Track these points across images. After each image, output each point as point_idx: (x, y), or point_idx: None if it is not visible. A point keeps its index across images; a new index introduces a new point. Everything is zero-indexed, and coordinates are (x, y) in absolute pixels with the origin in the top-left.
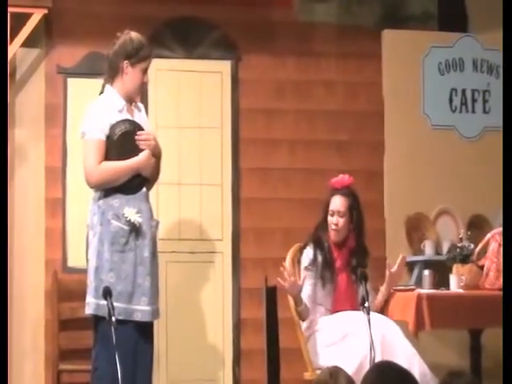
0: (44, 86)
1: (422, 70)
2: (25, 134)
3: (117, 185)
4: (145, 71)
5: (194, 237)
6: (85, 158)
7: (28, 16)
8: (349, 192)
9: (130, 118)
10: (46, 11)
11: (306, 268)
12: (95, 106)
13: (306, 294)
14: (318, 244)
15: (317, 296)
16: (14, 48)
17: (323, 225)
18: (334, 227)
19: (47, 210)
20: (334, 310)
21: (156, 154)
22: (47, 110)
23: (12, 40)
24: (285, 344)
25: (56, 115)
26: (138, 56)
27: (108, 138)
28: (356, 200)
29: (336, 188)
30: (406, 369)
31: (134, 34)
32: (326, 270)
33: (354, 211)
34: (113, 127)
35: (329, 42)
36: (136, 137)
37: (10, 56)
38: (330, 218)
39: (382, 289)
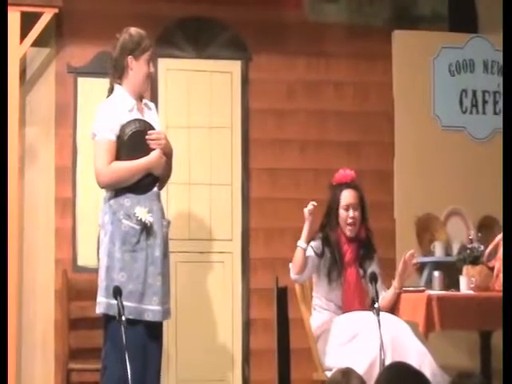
0: (54, 86)
1: (432, 70)
2: (35, 134)
3: (128, 184)
4: (149, 62)
5: (204, 237)
6: (95, 159)
7: (38, 15)
8: (356, 185)
9: (141, 118)
10: (56, 11)
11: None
12: (105, 107)
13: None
14: (326, 240)
15: (326, 291)
16: (24, 47)
17: (332, 221)
18: (350, 221)
19: (57, 209)
20: (344, 306)
21: (167, 153)
22: (57, 109)
23: (22, 39)
24: (294, 344)
25: (66, 114)
26: (140, 48)
27: (118, 138)
28: (362, 192)
29: (344, 182)
30: (419, 370)
31: (132, 30)
32: (334, 266)
33: (364, 203)
34: (123, 127)
35: (339, 43)
36: (147, 136)
37: (20, 55)
38: (343, 213)
39: (395, 282)
